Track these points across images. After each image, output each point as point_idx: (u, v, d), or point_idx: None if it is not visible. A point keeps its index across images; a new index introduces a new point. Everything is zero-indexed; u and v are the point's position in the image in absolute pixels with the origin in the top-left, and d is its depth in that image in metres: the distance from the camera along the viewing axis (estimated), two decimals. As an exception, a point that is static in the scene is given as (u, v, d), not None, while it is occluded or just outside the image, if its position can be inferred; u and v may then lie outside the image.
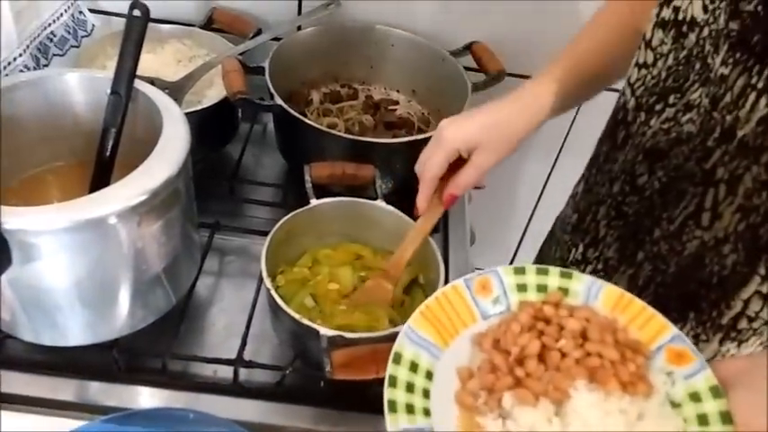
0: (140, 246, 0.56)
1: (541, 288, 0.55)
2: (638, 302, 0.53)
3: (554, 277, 0.55)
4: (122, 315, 0.60)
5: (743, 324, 0.59)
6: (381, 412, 0.55)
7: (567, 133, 1.11)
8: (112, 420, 0.56)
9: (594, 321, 0.51)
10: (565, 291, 0.55)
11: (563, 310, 0.52)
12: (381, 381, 0.53)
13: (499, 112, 0.64)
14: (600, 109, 1.04)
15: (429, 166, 0.64)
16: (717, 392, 0.47)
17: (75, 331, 0.59)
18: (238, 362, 0.63)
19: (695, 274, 0.58)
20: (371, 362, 0.55)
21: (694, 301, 0.60)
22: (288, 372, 0.63)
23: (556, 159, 1.16)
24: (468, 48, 0.94)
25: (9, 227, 0.49)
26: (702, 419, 0.47)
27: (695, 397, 0.48)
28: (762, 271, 0.53)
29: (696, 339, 0.62)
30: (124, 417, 0.57)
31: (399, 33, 0.95)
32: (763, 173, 0.51)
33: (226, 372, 0.64)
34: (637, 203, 0.64)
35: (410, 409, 0.48)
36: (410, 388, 0.49)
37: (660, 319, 0.52)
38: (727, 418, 0.46)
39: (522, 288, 0.56)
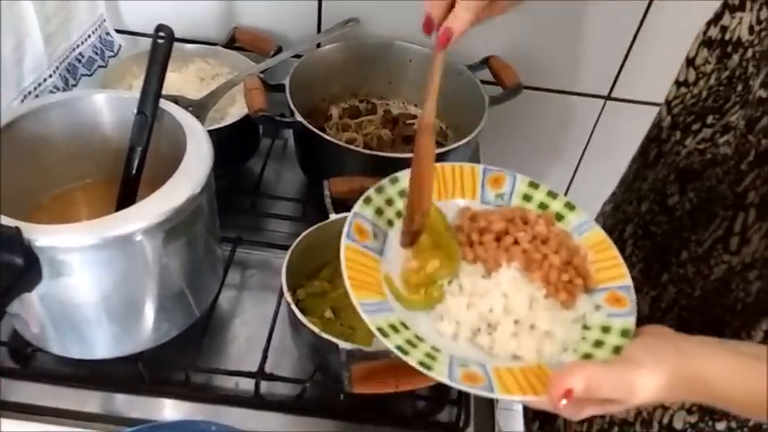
0: (165, 261, 0.57)
1: (543, 206, 0.59)
2: (614, 251, 0.56)
3: (558, 203, 0.59)
4: (147, 329, 0.61)
5: None
6: (400, 425, 0.56)
7: (587, 143, 1.11)
8: (137, 432, 0.58)
9: (562, 238, 0.56)
10: (560, 217, 0.59)
11: (542, 220, 0.57)
12: (401, 395, 0.54)
13: None
14: (622, 119, 1.04)
15: None
16: (625, 333, 0.50)
17: (101, 345, 0.61)
18: (259, 375, 0.64)
19: (721, 300, 0.56)
20: (390, 375, 0.55)
21: (718, 328, 0.58)
22: (308, 385, 0.64)
23: (575, 171, 1.15)
24: (485, 62, 0.94)
25: (40, 244, 0.50)
26: (597, 344, 0.50)
27: (605, 329, 0.51)
28: None
29: None
30: (149, 428, 0.58)
31: (417, 49, 0.96)
32: None
33: (247, 384, 0.65)
34: (666, 224, 0.63)
35: (379, 211, 0.56)
36: (389, 202, 0.57)
37: (623, 269, 0.55)
38: (616, 352, 0.48)
39: (527, 198, 0.60)
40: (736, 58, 0.56)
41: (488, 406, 0.68)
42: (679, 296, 0.56)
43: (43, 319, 0.57)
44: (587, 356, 0.49)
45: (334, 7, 0.97)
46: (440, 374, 0.46)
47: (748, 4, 0.55)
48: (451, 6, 0.53)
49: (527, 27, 0.97)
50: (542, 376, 0.48)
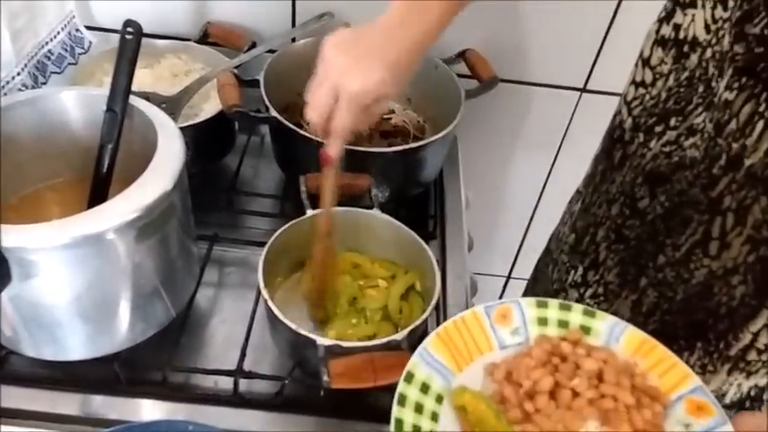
0: (138, 260, 0.56)
1: (563, 324, 0.54)
2: (662, 349, 0.51)
3: (576, 314, 0.54)
4: (122, 329, 0.60)
5: (752, 356, 0.57)
6: (380, 420, 0.55)
7: (564, 136, 1.12)
8: (114, 433, 0.57)
9: (612, 363, 0.50)
10: (587, 329, 0.53)
11: (581, 349, 0.51)
12: (379, 389, 0.54)
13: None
14: (596, 112, 1.05)
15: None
16: None
17: (75, 346, 0.60)
18: (238, 373, 0.64)
19: (703, 304, 0.56)
20: (369, 370, 0.55)
21: (702, 331, 0.59)
22: (287, 381, 0.64)
23: (553, 162, 1.16)
24: (461, 55, 0.94)
25: (8, 244, 0.49)
26: None
27: None
28: None
29: (703, 369, 0.61)
30: (126, 429, 0.57)
31: (392, 42, 0.96)
32: None
33: (226, 383, 0.65)
34: (638, 227, 0.63)
35: (417, 429, 0.48)
36: (419, 409, 0.49)
37: (683, 367, 0.50)
38: None
39: (542, 322, 0.54)
40: (694, 58, 0.55)
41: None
42: (660, 300, 0.56)
43: (14, 321, 0.56)
44: None
45: (308, 2, 0.96)
46: None
47: (699, 2, 0.54)
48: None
49: (502, 20, 0.97)
50: None
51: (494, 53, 0.93)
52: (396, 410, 0.47)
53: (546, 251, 0.85)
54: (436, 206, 0.89)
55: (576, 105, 1.06)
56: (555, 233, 0.83)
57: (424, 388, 0.50)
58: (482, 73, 0.91)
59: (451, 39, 0.96)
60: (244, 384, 0.64)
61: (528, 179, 1.19)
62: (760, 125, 0.48)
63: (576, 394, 0.48)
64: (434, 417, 0.49)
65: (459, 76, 0.90)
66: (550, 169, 1.17)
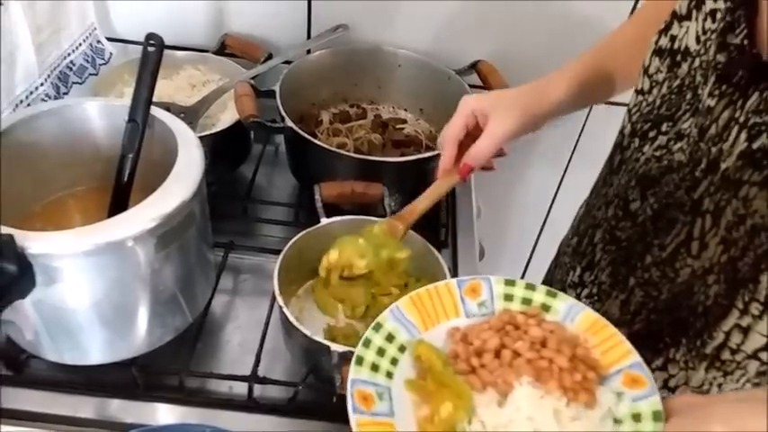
0: (157, 267, 0.58)
1: (526, 301, 0.58)
2: (611, 329, 0.54)
3: (540, 294, 0.58)
4: (141, 334, 0.62)
5: (726, 355, 0.58)
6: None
7: (575, 147, 1.12)
8: (132, 436, 0.58)
9: (558, 334, 0.55)
10: (547, 308, 0.57)
11: (533, 320, 0.56)
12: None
13: (512, 89, 0.70)
14: (606, 123, 1.05)
15: (448, 129, 0.69)
16: (657, 416, 0.48)
17: (95, 350, 0.61)
18: (252, 378, 0.65)
19: (686, 302, 0.58)
20: (381, 377, 0.56)
21: (685, 329, 0.60)
22: (301, 387, 0.65)
23: (564, 173, 1.17)
24: (474, 66, 0.96)
25: (33, 251, 0.51)
26: None
27: (636, 417, 0.50)
28: (740, 305, 0.53)
29: (686, 366, 0.62)
30: (143, 433, 0.59)
31: (406, 54, 0.97)
32: (740, 207, 0.51)
33: (241, 388, 0.66)
34: (630, 229, 0.65)
35: (375, 367, 0.53)
36: (381, 353, 0.54)
37: (627, 346, 0.53)
38: None
39: (508, 298, 0.58)
40: (685, 66, 0.57)
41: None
42: (647, 299, 0.57)
43: (37, 325, 0.58)
44: None
45: (323, 14, 0.98)
46: None
47: (694, 13, 0.56)
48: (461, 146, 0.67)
49: (514, 32, 0.98)
50: None
51: (505, 64, 0.94)
52: (359, 350, 0.52)
53: (557, 255, 0.87)
54: (448, 215, 0.90)
55: (587, 116, 1.07)
56: (564, 238, 0.84)
57: (390, 337, 0.55)
58: (494, 84, 0.92)
59: (464, 50, 0.98)
60: (258, 389, 0.65)
61: (539, 189, 1.20)
62: (735, 130, 0.51)
63: (517, 355, 0.53)
64: (394, 361, 0.54)
65: (472, 86, 0.92)
66: (561, 179, 1.17)
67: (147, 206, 0.55)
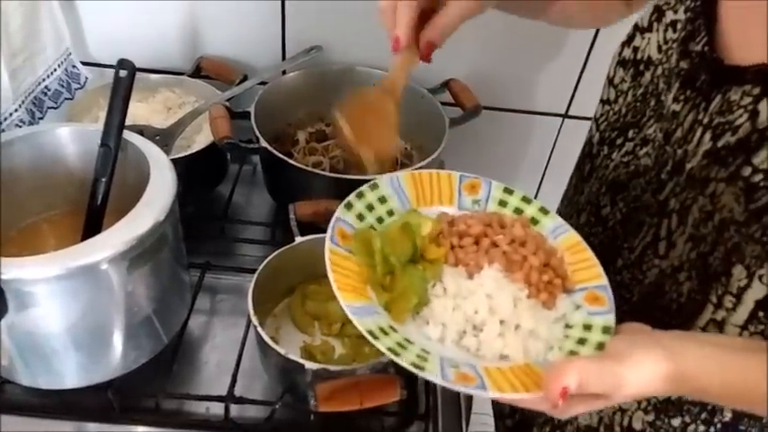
0: (131, 289, 0.58)
1: (518, 211, 0.61)
2: (589, 253, 0.58)
3: (533, 208, 0.61)
4: (116, 357, 0.62)
5: None
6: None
7: (548, 160, 1.14)
8: (107, 460, 0.58)
9: (538, 241, 0.58)
10: (536, 221, 0.61)
11: (519, 224, 0.59)
12: (369, 412, 0.56)
13: None
14: (580, 136, 1.08)
15: None
16: (607, 330, 0.52)
17: (70, 374, 0.61)
18: (229, 398, 0.65)
19: (657, 302, 0.59)
20: (355, 393, 0.57)
21: (661, 328, 0.62)
22: (277, 406, 0.65)
23: (538, 188, 1.19)
24: (446, 85, 0.97)
25: (4, 277, 0.51)
26: (580, 342, 0.52)
27: (587, 327, 0.53)
28: (714, 299, 0.54)
29: None
30: (118, 456, 0.59)
31: (379, 73, 0.99)
32: (707, 204, 0.52)
33: (217, 408, 0.66)
34: (601, 234, 0.67)
35: (361, 217, 0.57)
36: (370, 208, 0.58)
37: (599, 270, 0.57)
38: (600, 348, 0.50)
39: (502, 204, 0.62)
40: (648, 75, 0.60)
41: (457, 420, 0.70)
42: (620, 302, 0.59)
43: (10, 350, 0.58)
44: (572, 354, 0.51)
45: (297, 36, 0.99)
46: (432, 375, 0.47)
47: (655, 25, 0.59)
48: (417, 22, 0.56)
49: (484, 51, 1.00)
50: (531, 374, 0.49)
51: (477, 82, 0.97)
52: (351, 197, 0.57)
53: None
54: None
55: (559, 131, 1.09)
56: None
57: (382, 199, 0.59)
58: (465, 101, 0.94)
59: (436, 69, 0.99)
60: (235, 410, 0.66)
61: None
62: (699, 131, 0.53)
63: (495, 246, 0.57)
64: (380, 220, 0.58)
65: (444, 104, 0.93)
66: (536, 194, 1.19)
67: (119, 229, 0.56)
